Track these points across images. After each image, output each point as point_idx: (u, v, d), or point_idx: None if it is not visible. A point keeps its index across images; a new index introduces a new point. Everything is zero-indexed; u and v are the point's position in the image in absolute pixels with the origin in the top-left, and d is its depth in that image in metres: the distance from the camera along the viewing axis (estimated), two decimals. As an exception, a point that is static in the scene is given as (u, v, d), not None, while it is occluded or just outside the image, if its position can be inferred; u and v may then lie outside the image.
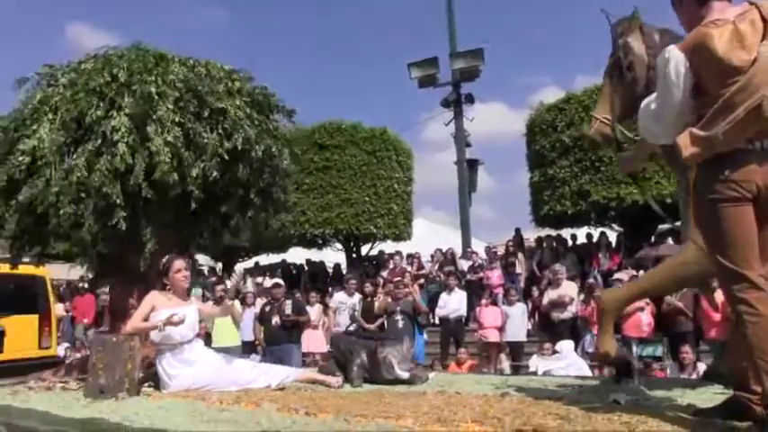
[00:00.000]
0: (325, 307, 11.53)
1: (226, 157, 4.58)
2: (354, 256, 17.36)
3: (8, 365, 6.69)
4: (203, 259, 20.62)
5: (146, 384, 4.39)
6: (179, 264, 4.36)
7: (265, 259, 19.25)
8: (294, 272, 16.85)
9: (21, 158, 4.31)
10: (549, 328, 9.92)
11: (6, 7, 61.33)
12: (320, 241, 16.96)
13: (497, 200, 69.06)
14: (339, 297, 11.21)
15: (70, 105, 4.38)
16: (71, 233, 4.31)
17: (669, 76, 2.52)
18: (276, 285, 9.35)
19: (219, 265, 20.35)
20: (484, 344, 10.54)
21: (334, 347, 5.16)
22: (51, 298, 8.05)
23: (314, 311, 10.73)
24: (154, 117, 4.39)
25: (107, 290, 14.92)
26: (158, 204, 4.54)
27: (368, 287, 10.71)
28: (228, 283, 9.31)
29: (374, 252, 17.09)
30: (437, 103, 17.47)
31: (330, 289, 13.45)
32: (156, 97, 4.41)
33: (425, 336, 10.54)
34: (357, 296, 10.84)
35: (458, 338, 10.81)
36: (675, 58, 2.50)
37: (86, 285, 15.44)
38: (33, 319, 7.58)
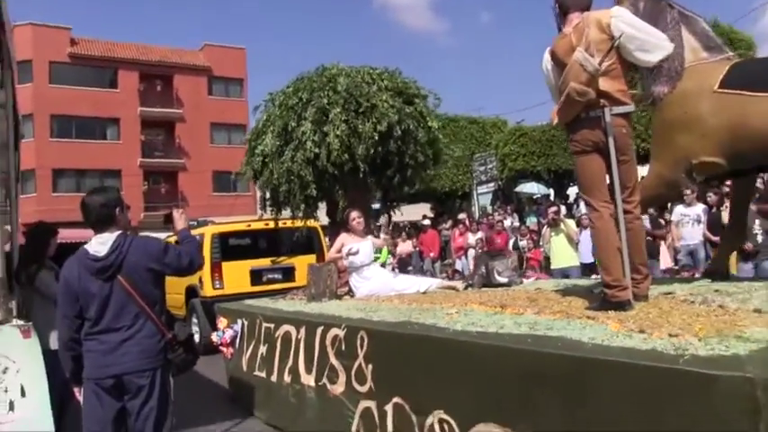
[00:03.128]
0: (667, 223, 11.09)
1: (377, 138, 6.62)
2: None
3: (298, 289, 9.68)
4: (536, 188, 22.57)
5: (346, 294, 6.74)
6: (354, 214, 6.55)
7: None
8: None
9: (257, 159, 6.93)
10: None
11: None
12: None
13: None
14: (680, 210, 10.45)
15: (280, 120, 6.84)
16: (290, 201, 6.83)
17: (543, 70, 3.86)
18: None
19: (551, 191, 22.11)
20: None
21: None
22: (324, 242, 11.04)
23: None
24: (328, 120, 6.62)
25: (448, 225, 17.60)
26: (342, 176, 6.81)
27: (710, 197, 9.83)
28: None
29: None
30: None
31: (669, 204, 12.28)
32: (328, 107, 6.62)
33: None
34: (700, 206, 10.10)
35: None
36: (544, 59, 3.83)
37: (429, 223, 17.57)
38: (312, 257, 10.62)
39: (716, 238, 8.81)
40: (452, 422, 3.37)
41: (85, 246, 3.28)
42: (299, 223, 9.17)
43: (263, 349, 5.92)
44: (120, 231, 3.28)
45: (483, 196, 26.21)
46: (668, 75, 4.27)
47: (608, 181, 3.69)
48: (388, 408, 3.96)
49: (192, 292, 10.29)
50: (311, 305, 6.08)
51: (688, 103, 4.14)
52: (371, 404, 4.15)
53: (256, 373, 6.01)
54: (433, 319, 4.05)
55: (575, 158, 3.74)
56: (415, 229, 16.69)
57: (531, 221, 15.69)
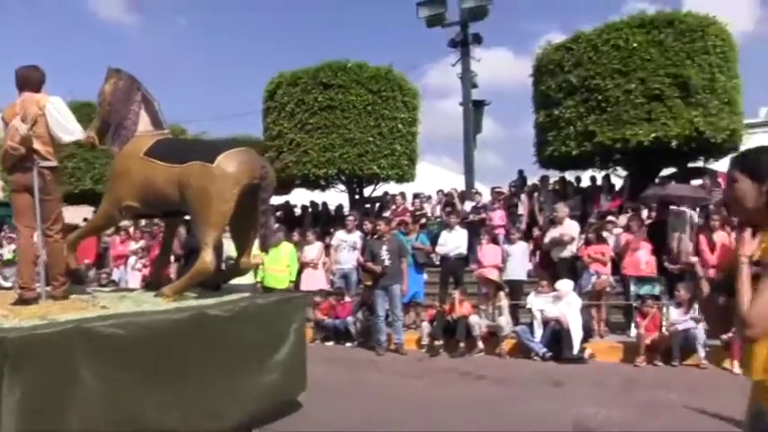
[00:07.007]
0: (327, 247, 11.77)
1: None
2: (357, 197, 17.09)
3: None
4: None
5: None
6: None
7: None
8: (298, 213, 17.26)
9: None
10: (549, 268, 10.11)
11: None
12: (323, 182, 16.76)
13: (503, 147, 70.69)
14: (339, 235, 11.30)
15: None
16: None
17: None
18: None
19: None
20: (484, 279, 9.91)
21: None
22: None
23: (313, 250, 11.24)
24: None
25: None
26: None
27: (367, 225, 10.99)
28: None
29: (378, 193, 17.08)
30: (442, 47, 17.37)
31: (332, 230, 13.23)
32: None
33: (425, 276, 11.21)
34: (357, 233, 11.11)
35: (457, 277, 10.78)
36: None
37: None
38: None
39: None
40: None
41: None
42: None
43: None
44: None
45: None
46: (122, 138, 5.85)
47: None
48: None
49: None
50: None
51: (126, 161, 5.71)
52: None
53: None
54: None
55: (11, 195, 5.07)
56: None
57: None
